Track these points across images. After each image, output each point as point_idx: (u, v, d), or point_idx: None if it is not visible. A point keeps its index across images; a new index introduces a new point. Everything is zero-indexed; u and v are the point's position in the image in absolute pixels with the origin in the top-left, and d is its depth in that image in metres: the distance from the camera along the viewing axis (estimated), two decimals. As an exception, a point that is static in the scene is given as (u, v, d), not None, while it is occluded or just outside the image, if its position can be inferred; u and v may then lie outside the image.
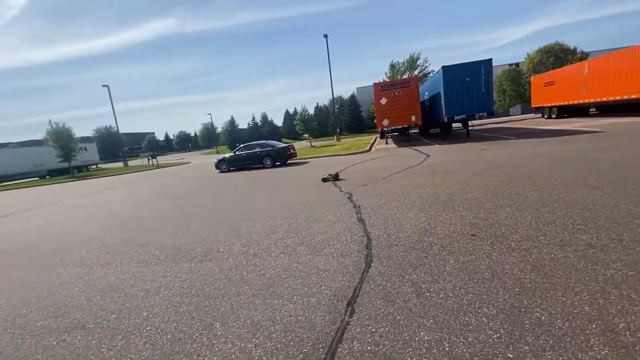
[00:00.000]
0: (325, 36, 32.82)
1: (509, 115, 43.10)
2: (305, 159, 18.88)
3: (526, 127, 21.16)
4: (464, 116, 17.88)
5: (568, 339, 2.10)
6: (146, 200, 10.34)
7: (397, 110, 19.33)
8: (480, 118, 18.18)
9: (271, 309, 2.91)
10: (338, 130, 38.78)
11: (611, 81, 18.70)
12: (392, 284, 3.07)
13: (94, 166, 40.22)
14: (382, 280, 3.16)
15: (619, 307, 2.36)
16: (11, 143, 45.40)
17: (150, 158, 33.38)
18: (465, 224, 4.45)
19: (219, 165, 17.54)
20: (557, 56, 34.60)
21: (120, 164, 39.77)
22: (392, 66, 45.51)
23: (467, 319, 2.44)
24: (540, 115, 29.68)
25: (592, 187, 5.48)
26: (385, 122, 19.77)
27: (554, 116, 25.53)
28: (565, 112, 24.68)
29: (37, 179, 32.79)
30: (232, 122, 70.10)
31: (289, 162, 17.41)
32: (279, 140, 31.80)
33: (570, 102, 22.99)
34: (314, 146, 30.05)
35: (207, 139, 72.02)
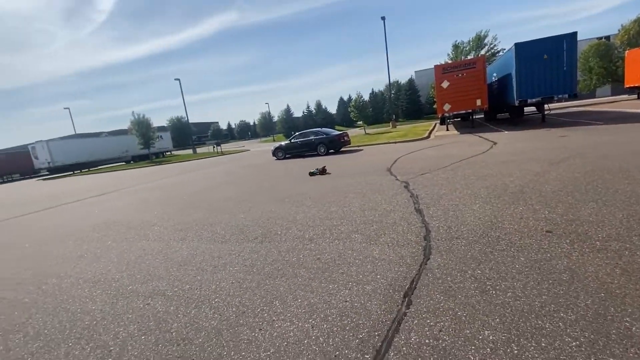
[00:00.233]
0: (383, 18, 31.49)
1: (594, 97, 37.28)
2: (359, 146, 18.67)
3: (617, 111, 18.12)
4: (539, 99, 15.92)
5: (671, 358, 1.80)
6: (213, 184, 11.22)
7: (460, 94, 17.94)
8: (559, 101, 16.03)
9: (327, 292, 2.98)
10: (394, 116, 37.40)
11: None
12: (453, 278, 2.92)
13: (168, 153, 44.71)
14: (442, 273, 3.03)
15: None
16: (103, 132, 52.59)
17: (215, 146, 36.09)
18: (538, 219, 4.02)
19: (275, 152, 18.25)
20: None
21: (189, 151, 43.63)
22: (456, 46, 42.05)
23: (540, 322, 2.23)
24: (635, 96, 25.11)
25: None
26: (447, 107, 18.52)
27: (656, 97, 21.43)
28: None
29: (124, 163, 37.68)
30: (287, 110, 71.96)
31: (342, 149, 17.39)
32: (333, 128, 31.84)
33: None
34: (368, 133, 29.50)
35: (265, 127, 75.12)
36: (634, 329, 2.05)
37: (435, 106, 21.77)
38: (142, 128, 33.10)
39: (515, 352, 1.99)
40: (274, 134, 69.52)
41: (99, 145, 37.01)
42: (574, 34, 14.75)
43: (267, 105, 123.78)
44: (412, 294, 2.76)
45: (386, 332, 2.32)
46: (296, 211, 5.94)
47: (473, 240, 3.66)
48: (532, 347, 2.01)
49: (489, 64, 26.48)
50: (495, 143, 11.70)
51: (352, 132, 30.79)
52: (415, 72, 60.12)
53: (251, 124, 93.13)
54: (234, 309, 2.93)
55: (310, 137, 17.29)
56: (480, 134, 15.35)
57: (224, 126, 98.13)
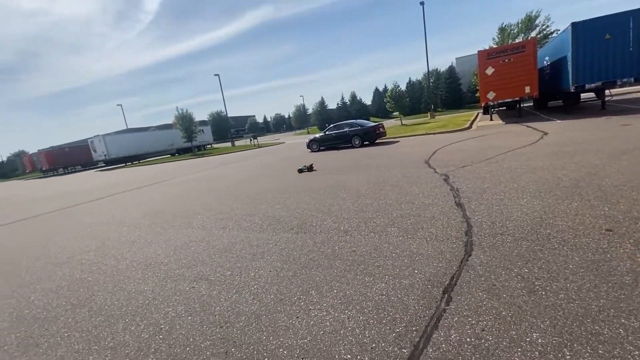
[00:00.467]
0: (422, 3, 30.07)
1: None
2: (395, 138, 18.21)
3: (701, 94, 15.82)
4: (599, 83, 14.35)
5: None
6: (251, 175, 11.60)
7: (506, 81, 16.71)
8: (623, 85, 14.33)
9: (362, 285, 2.98)
10: (432, 106, 35.89)
11: None
12: (497, 276, 2.78)
13: (209, 146, 46.84)
14: (485, 270, 2.89)
15: None
16: (151, 127, 56.36)
17: (252, 139, 37.22)
18: (596, 216, 3.67)
19: (310, 145, 18.38)
20: None
21: (228, 144, 45.41)
22: (502, 30, 39.06)
23: (597, 327, 2.05)
24: None
25: None
26: (491, 95, 17.37)
27: None
28: None
29: (169, 156, 40.16)
30: (321, 102, 71.93)
31: (377, 141, 17.07)
32: (367, 120, 31.29)
33: None
34: (404, 125, 28.63)
35: (299, 120, 75.86)
36: None
37: (477, 95, 20.52)
38: (186, 122, 34.94)
39: (568, 357, 1.86)
40: (308, 126, 70.00)
41: (148, 139, 39.76)
42: (644, 8, 13.03)
43: (301, 97, 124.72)
44: (452, 290, 2.66)
45: (424, 328, 2.27)
46: (331, 203, 5.97)
47: (520, 237, 3.44)
48: (588, 354, 1.86)
49: (540, 47, 24.34)
50: (545, 133, 10.81)
51: (387, 123, 30.08)
52: (457, 58, 57.08)
53: (286, 117, 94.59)
54: (272, 296, 3.03)
55: (345, 129, 17.16)
56: (529, 124, 14.25)
57: (260, 119, 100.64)
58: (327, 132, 17.86)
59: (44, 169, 42.62)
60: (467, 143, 11.59)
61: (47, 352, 2.73)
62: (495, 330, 2.15)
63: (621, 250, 2.90)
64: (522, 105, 18.86)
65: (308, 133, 51.76)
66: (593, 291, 2.40)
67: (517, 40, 34.20)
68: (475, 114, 27.04)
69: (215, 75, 40.90)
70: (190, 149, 38.43)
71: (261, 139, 43.38)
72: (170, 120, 37.97)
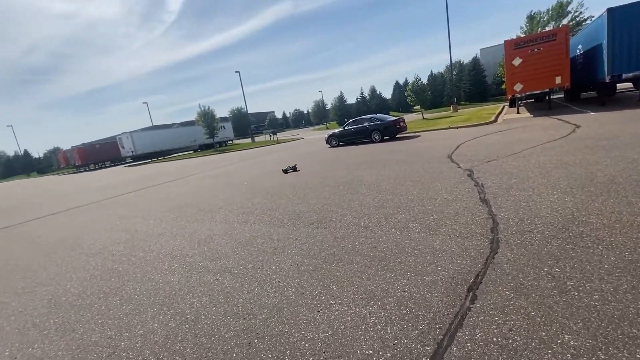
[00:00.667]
0: (445, -7, 29.05)
1: None
2: (416, 132, 17.84)
3: None
4: (637, 73, 13.40)
5: None
6: (271, 170, 11.74)
7: (535, 72, 15.92)
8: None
9: (384, 281, 2.96)
10: (455, 99, 34.80)
11: None
12: (525, 274, 2.67)
13: (230, 142, 47.77)
14: (512, 269, 2.79)
15: None
16: (175, 124, 58.03)
17: (271, 135, 37.58)
18: (635, 214, 3.46)
19: (329, 140, 18.33)
20: None
21: (248, 140, 46.06)
22: (531, 17, 37.19)
23: (635, 331, 1.94)
24: None
25: None
26: (518, 87, 16.62)
27: None
28: None
29: (192, 152, 41.29)
30: (340, 97, 71.47)
31: (398, 136, 16.78)
32: (387, 114, 30.76)
33: None
34: (426, 119, 27.98)
35: (318, 115, 75.76)
36: None
37: (503, 87, 19.69)
38: (208, 119, 35.77)
39: (603, 361, 1.77)
40: (327, 121, 69.82)
41: (172, 136, 41.03)
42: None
43: (320, 93, 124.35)
44: (477, 288, 2.59)
45: (448, 326, 2.23)
46: (351, 198, 5.94)
47: (550, 235, 3.29)
48: (624, 358, 1.77)
49: (573, 35, 23.01)
50: (578, 126, 10.24)
51: (408, 117, 29.52)
52: (481, 49, 54.96)
53: (305, 112, 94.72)
54: (293, 290, 3.07)
55: (364, 123, 16.97)
56: (559, 116, 13.55)
57: (279, 115, 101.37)
58: (346, 127, 17.74)
59: (76, 164, 45.00)
60: (492, 137, 11.18)
61: (82, 337, 2.89)
62: (524, 330, 2.07)
63: (663, 251, 2.72)
64: (551, 97, 17.95)
65: (327, 128, 51.63)
66: (631, 293, 2.27)
67: (547, 29, 32.48)
68: (501, 107, 26.00)
69: (235, 72, 41.52)
70: (212, 145, 39.37)
71: (280, 135, 43.75)
72: (193, 117, 39.01)
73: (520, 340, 2.00)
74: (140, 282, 3.84)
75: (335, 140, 17.99)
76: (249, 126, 53.34)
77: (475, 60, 52.73)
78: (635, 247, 2.84)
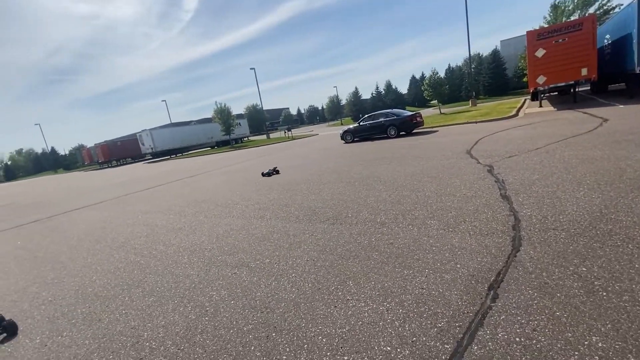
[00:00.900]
0: (464, -17, 28.17)
1: None
2: (433, 127, 17.50)
3: None
4: None
5: None
6: (286, 166, 11.80)
7: (559, 63, 15.28)
8: None
9: (401, 277, 2.93)
10: (473, 93, 33.87)
11: None
12: (549, 274, 2.58)
13: (246, 138, 48.30)
14: (535, 267, 2.70)
15: None
16: (192, 121, 59.22)
17: (286, 131, 37.73)
18: (670, 212, 3.27)
19: (344, 136, 18.24)
20: None
21: (264, 137, 46.51)
22: (555, 7, 35.53)
23: (670, 335, 1.84)
24: None
25: None
26: (541, 79, 16.01)
27: None
28: None
29: (209, 148, 42.04)
30: (355, 93, 70.92)
31: (414, 131, 16.51)
32: (403, 109, 30.30)
33: None
34: (443, 113, 27.39)
35: (333, 111, 75.50)
36: None
37: (525, 79, 18.97)
38: (224, 116, 36.26)
39: (635, 365, 1.69)
40: (341, 117, 69.46)
41: (189, 133, 41.88)
42: None
43: (335, 88, 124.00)
44: (499, 287, 2.53)
45: (468, 325, 2.18)
46: (366, 194, 5.90)
47: (576, 233, 3.16)
48: (659, 363, 1.68)
49: (600, 24, 21.88)
50: (605, 120, 9.77)
51: (425, 112, 28.99)
52: (501, 41, 53.01)
53: (319, 108, 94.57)
54: (309, 285, 3.08)
55: (380, 119, 16.79)
56: (585, 110, 12.97)
57: (294, 111, 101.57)
58: (361, 123, 17.60)
59: (100, 161, 46.67)
60: (513, 132, 10.83)
61: (108, 326, 3.01)
62: (549, 331, 2.01)
63: (701, 250, 2.56)
64: (577, 89, 17.19)
65: (341, 124, 51.40)
66: (666, 294, 2.16)
67: (572, 18, 31.04)
68: (522, 101, 25.12)
69: (250, 69, 41.82)
70: (228, 142, 39.92)
71: (295, 131, 43.85)
72: (209, 114, 39.65)
73: (544, 340, 1.94)
74: (162, 274, 3.95)
75: (350, 136, 17.88)
76: (264, 123, 53.75)
77: (495, 53, 51.00)
78: (670, 246, 2.69)
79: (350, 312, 2.56)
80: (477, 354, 1.93)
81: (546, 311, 2.18)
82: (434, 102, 34.70)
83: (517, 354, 1.88)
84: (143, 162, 40.84)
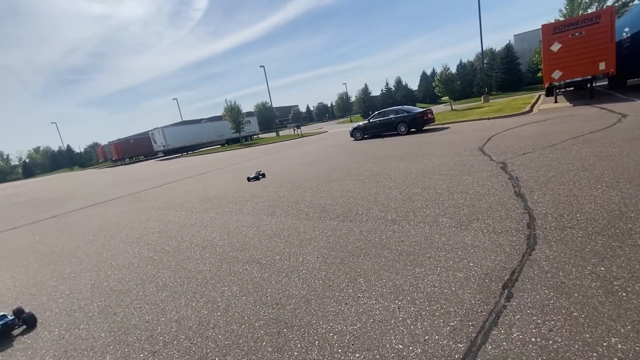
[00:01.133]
0: (476, -23, 27.62)
1: None
2: (444, 124, 17.25)
3: None
4: None
5: None
6: (295, 163, 11.83)
7: (576, 57, 14.84)
8: None
9: (413, 275, 2.90)
10: (486, 89, 33.22)
11: None
12: (566, 273, 2.52)
13: (256, 136, 48.59)
14: (551, 267, 2.64)
15: None
16: (203, 119, 59.86)
17: (295, 128, 37.79)
18: (695, 210, 3.15)
19: (353, 133, 18.15)
20: None
21: (273, 134, 46.62)
22: (571, 0, 34.57)
23: (695, 337, 1.77)
24: None
25: None
26: (557, 74, 15.58)
27: None
28: None
29: (220, 146, 42.43)
30: (365, 90, 70.48)
31: (425, 128, 16.31)
32: (414, 106, 29.93)
33: None
34: (455, 110, 26.97)
35: (342, 108, 75.20)
36: None
37: (539, 75, 18.51)
38: (234, 114, 36.52)
39: (657, 368, 1.64)
40: (351, 114, 69.15)
41: (200, 130, 42.36)
42: None
43: (344, 85, 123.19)
44: (513, 286, 2.48)
45: (482, 324, 2.15)
46: (377, 192, 5.86)
47: (594, 232, 3.08)
48: (683, 366, 1.62)
49: (619, 17, 21.16)
50: (624, 115, 9.46)
51: (436, 109, 28.57)
52: (515, 35, 51.97)
53: (329, 105, 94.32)
54: (320, 282, 3.08)
55: (390, 116, 16.62)
56: (603, 105, 12.58)
57: (303, 109, 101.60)
58: (371, 120, 17.48)
59: (113, 158, 47.67)
60: (527, 128, 10.59)
61: (123, 320, 3.08)
62: (566, 331, 1.96)
63: None
64: (594, 84, 16.70)
65: (351, 121, 51.16)
66: (690, 296, 2.08)
67: (589, 11, 30.09)
68: (537, 96, 24.53)
69: (260, 66, 41.93)
70: (238, 139, 40.22)
71: (304, 129, 43.88)
72: (220, 112, 39.99)
73: (561, 341, 1.90)
74: (174, 270, 4.01)
75: (360, 133, 17.78)
76: (274, 120, 53.92)
77: (508, 48, 49.97)
78: (695, 246, 2.59)
79: (361, 310, 2.55)
80: (492, 353, 1.90)
81: (563, 311, 2.13)
82: (445, 98, 34.19)
83: (533, 354, 1.84)
84: (155, 159, 41.50)
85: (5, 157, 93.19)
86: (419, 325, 2.25)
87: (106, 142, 53.51)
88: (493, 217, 3.83)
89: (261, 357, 2.23)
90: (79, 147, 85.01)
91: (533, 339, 1.95)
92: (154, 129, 40.21)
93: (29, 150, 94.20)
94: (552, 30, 15.52)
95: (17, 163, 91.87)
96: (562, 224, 3.35)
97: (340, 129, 34.11)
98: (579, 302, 2.19)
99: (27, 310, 3.45)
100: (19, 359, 2.78)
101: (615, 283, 2.32)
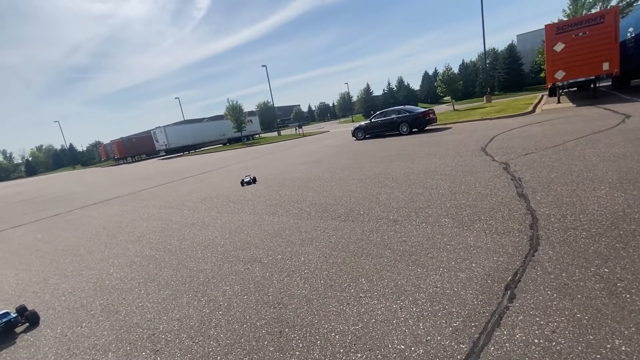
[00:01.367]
0: (479, -24, 27.50)
1: None
2: (446, 124, 17.21)
3: None
4: None
5: None
6: (296, 163, 11.83)
7: (579, 58, 14.76)
8: None
9: (415, 276, 2.89)
10: (488, 89, 33.11)
11: None
12: (569, 274, 2.51)
13: (257, 135, 48.61)
14: (555, 268, 2.63)
15: None
16: (205, 118, 59.92)
17: (297, 128, 37.81)
18: (699, 212, 3.13)
19: (355, 133, 18.14)
20: None
21: (275, 134, 46.65)
22: (575, -1, 34.38)
23: (700, 340, 1.76)
24: None
25: None
26: (560, 74, 15.50)
27: None
28: None
29: (221, 145, 42.49)
30: (366, 89, 70.36)
31: (427, 128, 16.27)
32: (416, 105, 29.86)
33: None
34: (457, 110, 26.90)
35: (344, 108, 75.20)
36: None
37: (542, 75, 18.43)
38: (236, 113, 36.56)
39: (661, 370, 1.63)
40: (352, 114, 69.10)
41: (202, 130, 42.42)
42: None
43: (346, 85, 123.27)
44: (516, 287, 2.47)
45: (484, 325, 2.14)
46: (379, 192, 5.85)
47: (597, 233, 3.06)
48: (688, 369, 1.61)
49: (623, 17, 21.04)
50: (628, 116, 9.41)
51: (438, 109, 28.51)
52: (518, 35, 51.65)
53: (330, 105, 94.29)
54: (322, 282, 3.08)
55: (392, 115, 16.60)
56: (606, 106, 12.51)
57: (304, 108, 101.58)
58: (372, 120, 17.47)
59: (115, 157, 47.80)
60: (530, 129, 10.55)
61: (125, 318, 3.08)
62: (569, 333, 1.95)
63: None
64: (597, 84, 16.61)
65: (352, 121, 51.10)
66: (694, 298, 2.07)
67: (593, 11, 29.94)
68: (539, 97, 24.44)
69: (262, 66, 41.93)
70: (240, 139, 40.27)
71: (306, 128, 43.89)
72: (221, 111, 40.08)
73: (565, 343, 1.89)
74: (176, 269, 4.02)
75: (362, 133, 17.77)
76: (275, 120, 53.94)
77: (511, 48, 49.72)
78: (699, 248, 2.57)
79: (363, 310, 2.55)
80: (494, 354, 1.90)
81: (566, 312, 2.12)
82: (447, 98, 34.08)
83: (536, 355, 1.84)
84: (157, 158, 41.60)
85: (8, 155, 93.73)
86: (421, 326, 2.24)
87: (108, 141, 53.72)
88: (495, 218, 3.82)
89: (263, 357, 2.24)
90: (81, 146, 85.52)
91: (536, 340, 1.94)
92: (156, 127, 40.29)
93: (31, 149, 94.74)
94: (555, 30, 15.44)
95: (20, 161, 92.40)
96: (565, 225, 3.33)
97: (341, 129, 34.08)
98: (582, 304, 2.18)
99: (29, 308, 3.46)
100: (22, 357, 2.79)
101: (618, 284, 2.31)
